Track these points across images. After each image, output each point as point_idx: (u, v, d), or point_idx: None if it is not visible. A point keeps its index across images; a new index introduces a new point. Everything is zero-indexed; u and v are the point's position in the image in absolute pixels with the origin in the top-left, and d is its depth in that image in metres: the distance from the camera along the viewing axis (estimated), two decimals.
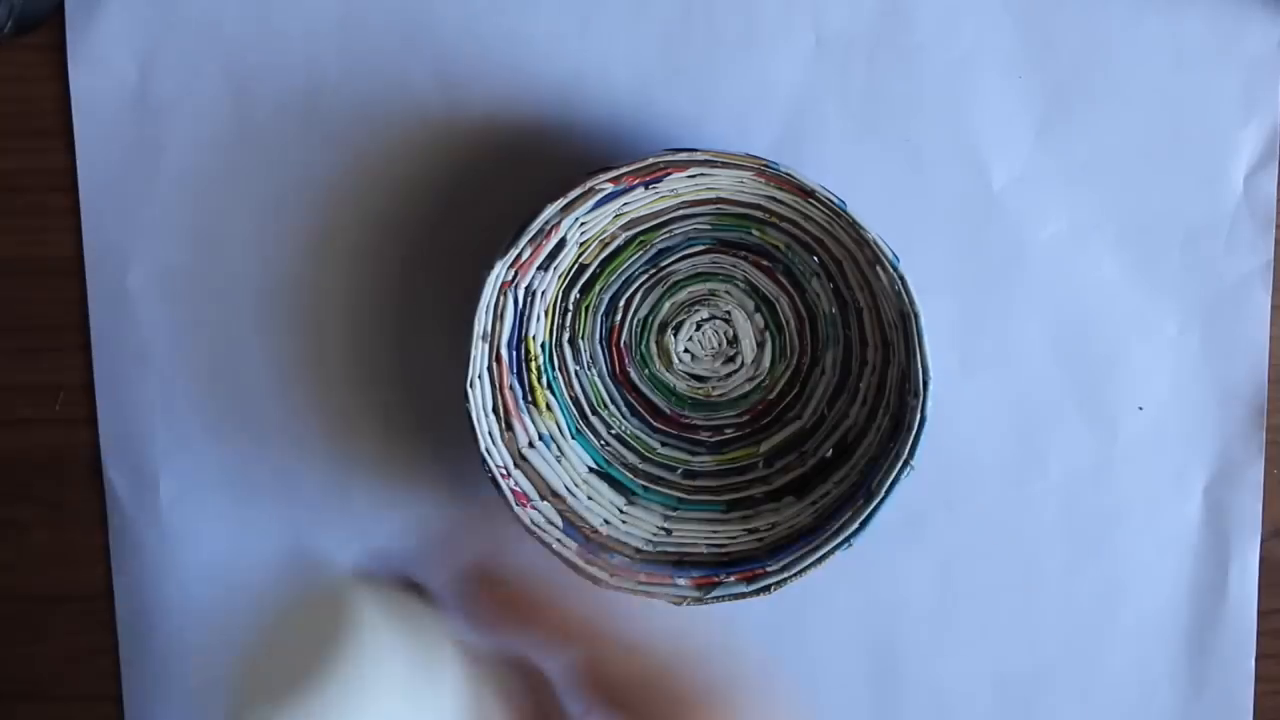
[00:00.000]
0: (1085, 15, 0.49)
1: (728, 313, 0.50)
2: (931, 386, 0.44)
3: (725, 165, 0.44)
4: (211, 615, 0.51)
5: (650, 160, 0.44)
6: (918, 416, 0.44)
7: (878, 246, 0.44)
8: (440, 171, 0.50)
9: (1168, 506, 0.51)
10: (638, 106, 0.49)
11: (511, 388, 0.48)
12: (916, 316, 0.44)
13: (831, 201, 0.44)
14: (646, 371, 0.50)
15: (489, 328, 0.46)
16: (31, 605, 0.52)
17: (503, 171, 0.50)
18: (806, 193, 0.45)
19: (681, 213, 0.48)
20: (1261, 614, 0.52)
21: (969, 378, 0.51)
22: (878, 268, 0.45)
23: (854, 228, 0.44)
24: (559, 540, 0.46)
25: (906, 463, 0.44)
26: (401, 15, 0.49)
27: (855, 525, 0.45)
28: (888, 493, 0.44)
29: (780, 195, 0.46)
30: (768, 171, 0.44)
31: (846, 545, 0.45)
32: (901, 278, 0.44)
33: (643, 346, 0.50)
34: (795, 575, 0.45)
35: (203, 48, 0.49)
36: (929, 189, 0.50)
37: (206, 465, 0.51)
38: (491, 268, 0.45)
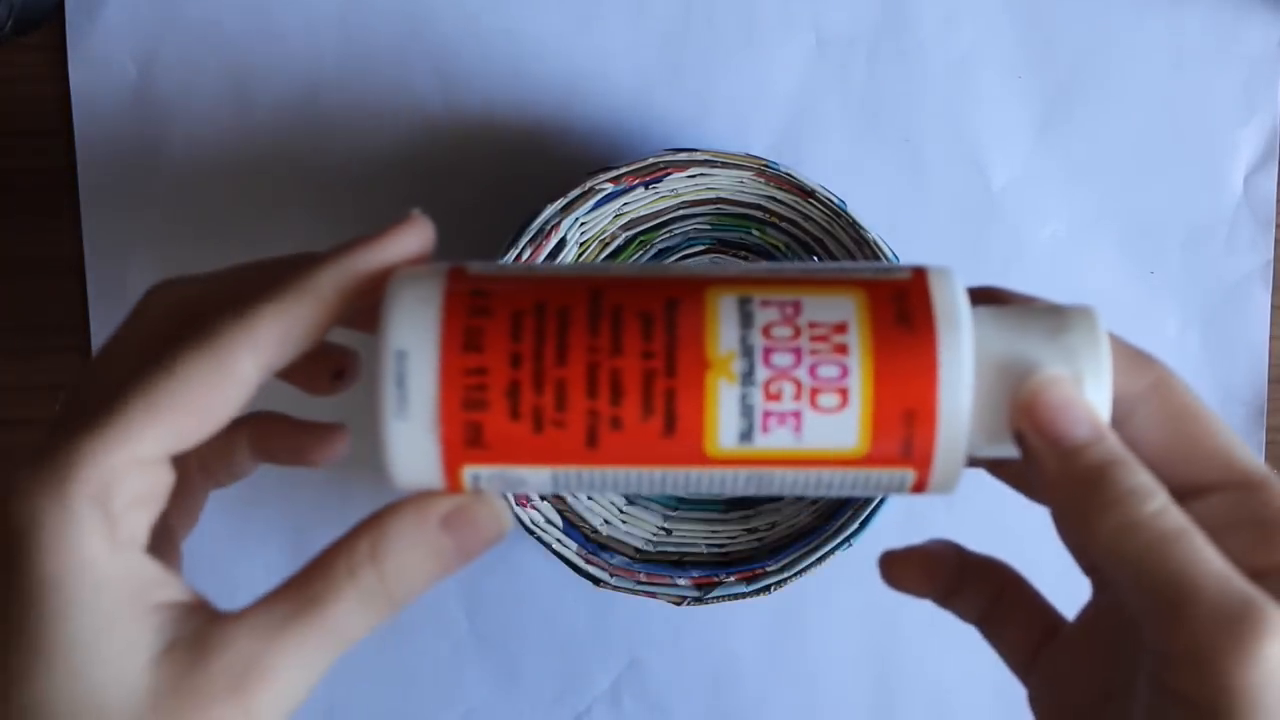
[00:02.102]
0: (1085, 15, 0.49)
1: None
2: None
3: (725, 165, 0.44)
4: None
5: (650, 160, 0.44)
6: None
7: (878, 246, 0.44)
8: (440, 171, 0.50)
9: None
10: (638, 106, 0.49)
11: None
12: None
13: (831, 201, 0.44)
14: None
15: None
16: None
17: (503, 171, 0.50)
18: (806, 193, 0.45)
19: (681, 213, 0.48)
20: None
21: None
22: None
23: (854, 228, 0.44)
24: (559, 540, 0.46)
25: None
26: (401, 15, 0.49)
27: (855, 525, 0.45)
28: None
29: (780, 195, 0.46)
30: (768, 171, 0.44)
31: (846, 545, 0.45)
32: None
33: None
34: (795, 575, 0.45)
35: (203, 47, 0.49)
36: (929, 189, 0.50)
37: None
38: None
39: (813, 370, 0.26)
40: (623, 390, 0.26)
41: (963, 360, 0.26)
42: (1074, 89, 0.49)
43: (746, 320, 0.27)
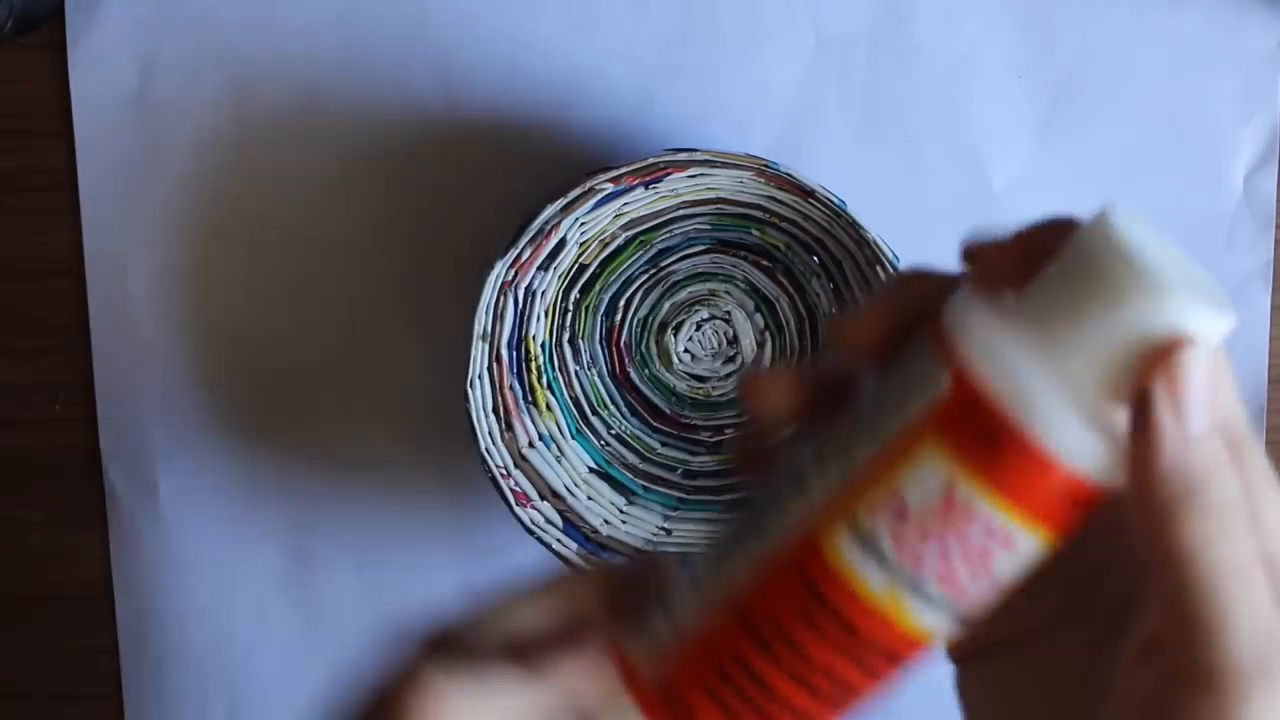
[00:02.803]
0: (1085, 15, 0.49)
1: (728, 313, 0.50)
2: None
3: (725, 165, 0.44)
4: (211, 615, 0.52)
5: (650, 160, 0.44)
6: None
7: (878, 246, 0.44)
8: (440, 171, 0.50)
9: None
10: (638, 106, 0.49)
11: (511, 388, 0.48)
12: None
13: (831, 201, 0.44)
14: (646, 371, 0.50)
15: (489, 328, 0.46)
16: (31, 605, 0.52)
17: (503, 171, 0.50)
18: (806, 193, 0.45)
19: (681, 213, 0.48)
20: None
21: None
22: (878, 268, 0.45)
23: (854, 228, 0.44)
24: (559, 540, 0.46)
25: None
26: (401, 15, 0.49)
27: None
28: None
29: (780, 195, 0.46)
30: (768, 171, 0.44)
31: None
32: None
33: (643, 346, 0.50)
34: None
35: (203, 48, 0.49)
36: (929, 189, 0.50)
37: (206, 465, 0.51)
38: (491, 268, 0.45)
39: (962, 544, 0.25)
40: (837, 676, 0.27)
41: (1063, 427, 0.25)
42: (1074, 89, 0.49)
43: (871, 548, 0.26)
